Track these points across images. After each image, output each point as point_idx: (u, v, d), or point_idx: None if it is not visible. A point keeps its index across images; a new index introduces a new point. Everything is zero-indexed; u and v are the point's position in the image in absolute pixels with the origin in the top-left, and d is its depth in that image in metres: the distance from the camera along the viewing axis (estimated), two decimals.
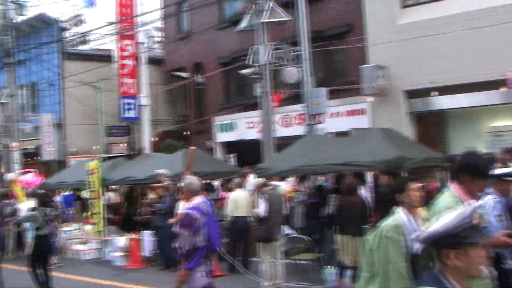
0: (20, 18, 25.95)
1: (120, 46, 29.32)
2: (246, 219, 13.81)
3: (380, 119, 19.24)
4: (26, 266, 15.08)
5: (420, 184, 5.49)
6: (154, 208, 15.25)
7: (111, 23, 28.84)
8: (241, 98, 25.89)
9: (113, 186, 19.74)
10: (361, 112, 20.73)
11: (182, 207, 13.41)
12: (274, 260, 11.34)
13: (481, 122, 18.60)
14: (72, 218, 21.08)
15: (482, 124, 18.48)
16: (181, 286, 7.09)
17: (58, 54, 30.38)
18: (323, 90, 16.59)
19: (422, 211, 5.52)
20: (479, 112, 18.52)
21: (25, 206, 17.38)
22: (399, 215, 5.24)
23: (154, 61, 30.86)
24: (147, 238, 16.02)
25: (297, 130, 20.81)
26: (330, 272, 11.69)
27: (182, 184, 7.65)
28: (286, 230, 13.09)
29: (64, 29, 32.39)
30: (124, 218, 18.60)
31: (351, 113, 21.07)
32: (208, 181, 16.32)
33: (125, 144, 31.54)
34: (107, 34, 27.99)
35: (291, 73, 16.94)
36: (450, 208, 4.41)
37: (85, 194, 21.24)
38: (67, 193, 22.67)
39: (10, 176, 20.61)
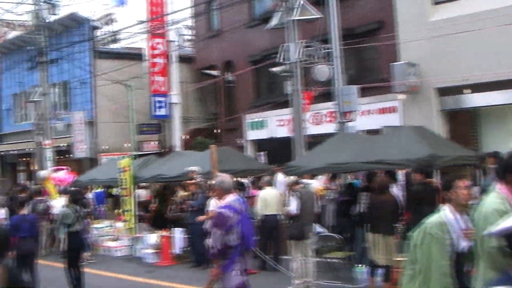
0: (52, 18, 26.18)
1: (151, 45, 29.51)
2: (276, 217, 13.79)
3: (412, 117, 19.11)
4: (59, 262, 15.33)
5: (468, 182, 5.37)
6: (186, 205, 15.30)
7: (141, 22, 29.02)
8: (272, 96, 25.87)
9: (143, 184, 19.86)
10: (392, 110, 20.60)
11: (213, 204, 13.53)
12: (305, 258, 11.31)
13: None
14: (103, 215, 21.28)
15: None
16: (213, 285, 7.03)
17: (89, 52, 30.65)
18: (354, 88, 16.50)
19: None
20: None
21: (58, 203, 17.57)
22: (445, 212, 5.16)
23: (184, 59, 31.02)
24: (178, 235, 16.08)
25: (328, 128, 20.72)
26: (361, 270, 11.64)
27: (214, 182, 7.60)
28: (318, 228, 13.05)
29: (95, 28, 32.68)
30: (156, 215, 18.70)
31: (382, 111, 20.94)
32: (238, 179, 16.36)
33: (156, 142, 31.72)
34: (138, 33, 28.17)
35: (322, 70, 16.87)
36: (498, 210, 4.36)
37: (116, 191, 21.44)
38: (98, 190, 22.87)
39: (43, 173, 20.84)
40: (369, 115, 20.63)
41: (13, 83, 37.48)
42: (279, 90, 24.36)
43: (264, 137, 25.97)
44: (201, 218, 13.99)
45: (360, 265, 11.84)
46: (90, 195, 21.64)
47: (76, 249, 12.42)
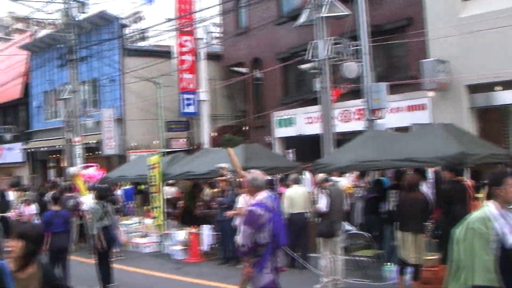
0: (82, 16, 26.37)
1: (179, 42, 29.62)
2: (303, 215, 13.76)
3: (441, 114, 18.95)
4: (88, 258, 15.49)
5: None
6: (215, 202, 15.34)
7: (170, 20, 29.15)
8: (300, 93, 25.83)
9: (170, 181, 19.95)
10: (421, 107, 20.47)
11: (241, 201, 13.56)
12: (334, 256, 11.27)
13: None
14: (132, 211, 21.42)
15: None
16: (246, 284, 6.99)
17: (118, 50, 30.83)
18: (383, 85, 16.42)
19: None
20: None
21: (87, 199, 17.74)
22: (489, 208, 5.10)
23: (212, 57, 31.11)
24: (207, 232, 16.14)
25: (356, 125, 20.67)
26: (390, 269, 11.59)
27: (246, 179, 7.52)
28: (346, 226, 13.00)
29: (124, 26, 32.91)
30: (184, 212, 18.79)
31: (411, 108, 20.82)
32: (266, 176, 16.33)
33: (184, 139, 31.84)
34: (167, 30, 28.30)
35: (350, 68, 16.81)
36: None
37: (144, 188, 21.61)
38: (127, 187, 23.04)
39: (73, 170, 21.02)
40: (398, 112, 20.52)
41: (44, 81, 37.89)
42: (307, 87, 24.32)
43: (292, 134, 25.94)
44: (229, 213, 14.03)
45: (389, 264, 11.80)
46: (119, 192, 21.81)
47: (104, 244, 12.54)
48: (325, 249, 11.30)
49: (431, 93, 19.60)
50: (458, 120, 16.64)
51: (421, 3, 20.18)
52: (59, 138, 31.42)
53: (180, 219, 18.52)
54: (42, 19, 41.32)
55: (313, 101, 20.79)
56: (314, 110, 22.24)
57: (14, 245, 4.81)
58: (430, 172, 13.48)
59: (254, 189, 7.12)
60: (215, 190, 15.85)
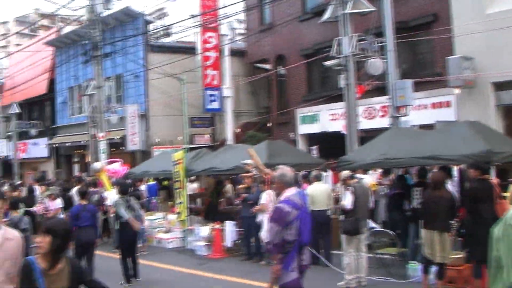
0: (106, 12, 26.49)
1: (204, 38, 29.66)
2: (325, 212, 13.71)
3: (467, 112, 18.79)
4: (112, 252, 15.60)
5: None
6: (240, 199, 15.35)
7: (193, 16, 29.22)
8: (324, 90, 25.76)
9: (192, 177, 20.02)
10: (446, 104, 20.29)
11: (265, 197, 13.57)
12: (358, 253, 11.22)
13: None
14: (156, 207, 21.51)
15: None
16: (276, 282, 6.91)
17: (142, 46, 30.97)
18: (409, 82, 16.27)
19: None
20: None
21: (111, 194, 17.84)
22: None
23: (236, 53, 31.16)
24: (230, 228, 16.17)
25: (381, 122, 20.58)
26: (414, 267, 11.53)
27: (274, 174, 7.44)
28: (370, 223, 12.94)
29: (148, 22, 33.03)
30: (208, 208, 18.83)
31: (436, 105, 20.65)
32: None
33: (208, 135, 31.91)
34: (191, 27, 28.33)
35: (375, 64, 16.70)
36: None
37: (167, 183, 21.69)
38: (151, 182, 23.13)
39: (97, 165, 21.13)
40: (423, 109, 20.35)
41: (68, 76, 38.18)
42: (331, 84, 24.26)
43: (316, 131, 25.87)
44: (255, 209, 14.05)
45: (413, 262, 11.72)
46: (142, 187, 21.91)
47: (128, 239, 12.61)
48: (349, 246, 11.25)
49: (456, 91, 19.43)
50: (484, 118, 16.47)
51: None
52: (84, 134, 31.66)
53: (204, 215, 18.56)
54: (67, 15, 41.62)
55: (337, 98, 20.71)
56: (338, 107, 22.16)
57: (42, 241, 4.80)
58: (455, 170, 13.38)
59: (282, 185, 7.02)
60: (241, 186, 15.83)
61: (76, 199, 17.08)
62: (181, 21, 54.52)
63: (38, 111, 44.46)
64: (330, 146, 21.21)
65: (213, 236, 16.27)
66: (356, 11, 16.61)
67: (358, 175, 13.68)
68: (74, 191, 19.24)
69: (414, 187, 12.64)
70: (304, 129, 26.83)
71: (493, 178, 10.85)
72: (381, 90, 18.73)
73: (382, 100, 19.37)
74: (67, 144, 37.89)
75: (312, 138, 26.21)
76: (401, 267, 12.04)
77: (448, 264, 10.18)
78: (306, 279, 7.22)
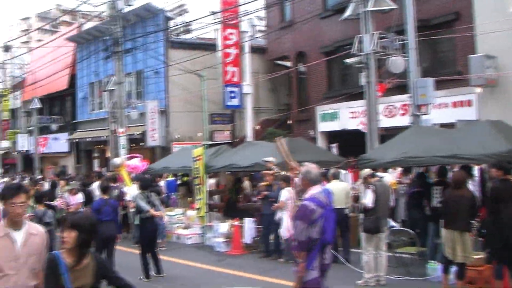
0: (127, 9, 26.59)
1: (224, 35, 29.68)
2: (344, 211, 13.66)
3: (488, 111, 18.66)
4: (132, 248, 15.66)
5: None
6: (261, 196, 15.35)
7: (214, 13, 29.24)
8: (344, 88, 25.68)
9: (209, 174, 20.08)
10: (467, 103, 20.18)
11: (285, 195, 13.57)
12: (378, 252, 11.18)
13: None
14: (175, 203, 21.57)
15: None
16: (301, 282, 6.85)
17: (163, 42, 31.06)
18: (430, 80, 16.17)
19: None
20: None
21: (132, 190, 17.91)
22: None
23: (257, 50, 31.16)
24: (249, 225, 16.18)
25: (401, 120, 20.49)
26: (434, 267, 11.46)
27: (300, 172, 7.36)
28: (390, 222, 12.89)
29: (169, 19, 33.10)
30: (227, 204, 18.85)
31: (457, 104, 20.56)
32: None
33: (228, 132, 31.96)
34: (211, 23, 28.37)
35: (396, 62, 16.63)
36: None
37: (186, 179, 21.73)
38: (170, 178, 23.19)
39: (117, 160, 21.22)
40: (443, 108, 20.24)
41: (89, 72, 38.40)
42: (351, 82, 24.20)
43: (336, 129, 25.81)
44: (275, 206, 14.05)
45: (432, 261, 11.66)
46: (162, 183, 21.98)
47: (148, 235, 12.66)
48: (368, 245, 11.22)
49: (478, 89, 19.31)
50: (506, 117, 16.23)
51: None
52: (104, 129, 31.84)
53: (223, 212, 18.59)
54: (88, 11, 41.78)
55: (357, 96, 20.66)
56: (358, 105, 22.09)
57: (67, 236, 4.79)
58: (476, 170, 13.28)
59: (307, 182, 6.95)
60: (262, 183, 15.82)
61: (97, 193, 17.18)
62: (202, 17, 54.58)
63: (59, 106, 44.76)
64: (350, 144, 21.16)
65: (232, 233, 16.30)
66: (378, 8, 16.55)
67: (379, 174, 13.60)
68: (94, 186, 19.35)
69: (434, 185, 12.57)
70: (324, 126, 26.78)
71: None
72: (401, 88, 18.66)
73: (403, 98, 19.29)
74: (87, 139, 38.14)
75: (331, 136, 26.16)
76: (421, 267, 11.98)
77: (469, 264, 10.10)
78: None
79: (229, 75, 29.98)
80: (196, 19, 46.41)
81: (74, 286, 4.74)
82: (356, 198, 13.48)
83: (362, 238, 11.62)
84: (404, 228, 13.19)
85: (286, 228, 13.85)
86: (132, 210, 16.79)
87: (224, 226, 16.75)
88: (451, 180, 10.85)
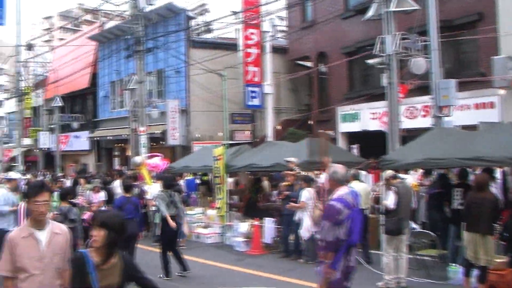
0: (149, 8, 26.67)
1: (245, 35, 29.70)
2: (363, 212, 13.60)
3: (511, 113, 18.48)
4: (152, 246, 15.72)
5: None
6: (283, 196, 15.34)
7: (235, 13, 29.27)
8: (365, 88, 25.60)
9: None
10: (490, 105, 20.04)
11: (305, 195, 13.55)
12: (399, 254, 11.12)
13: None
14: (195, 202, 21.61)
15: None
16: (327, 283, 6.84)
17: (184, 42, 31.15)
18: (453, 82, 16.04)
19: None
20: None
21: (152, 189, 17.98)
22: None
23: (278, 50, 31.15)
24: (269, 225, 16.18)
25: (422, 122, 20.37)
26: (455, 270, 11.38)
27: (327, 172, 7.36)
28: (411, 224, 12.82)
29: (190, 18, 33.17)
30: (247, 204, 18.85)
31: (479, 106, 20.42)
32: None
33: (248, 132, 31.98)
34: (233, 23, 28.39)
35: (419, 63, 16.51)
36: None
37: (206, 178, 21.75)
38: (189, 177, 23.22)
39: (138, 159, 21.30)
40: (465, 110, 20.10)
41: (111, 71, 38.62)
42: (372, 83, 24.10)
43: (357, 129, 25.73)
44: (290, 205, 14.05)
45: (453, 264, 11.58)
46: (181, 182, 22.02)
47: (170, 234, 12.70)
48: (389, 246, 11.17)
49: (501, 91, 19.14)
50: None
51: None
52: (125, 128, 31.96)
53: (243, 211, 18.60)
54: (110, 10, 41.98)
55: (379, 97, 20.56)
56: (379, 106, 22.00)
57: (96, 234, 4.74)
58: (498, 172, 13.17)
59: (334, 183, 6.96)
60: (283, 183, 15.80)
61: (118, 192, 17.25)
62: (223, 17, 54.60)
63: (80, 104, 45.05)
64: (371, 145, 21.07)
65: (252, 233, 16.31)
66: (400, 9, 16.42)
67: (401, 175, 13.53)
68: (115, 184, 19.44)
69: (455, 187, 12.49)
70: (345, 127, 26.71)
71: None
72: (423, 90, 18.53)
73: (424, 99, 19.15)
74: (108, 138, 38.34)
75: (352, 137, 26.09)
76: (441, 269, 11.91)
77: (490, 268, 10.01)
78: None
79: (250, 75, 30.01)
80: (217, 19, 46.47)
81: (101, 285, 4.71)
82: (377, 200, 13.43)
83: (382, 240, 11.57)
84: (425, 230, 13.11)
85: (306, 228, 13.85)
86: (153, 208, 16.88)
87: (244, 226, 16.77)
88: (473, 182, 10.77)
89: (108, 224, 4.75)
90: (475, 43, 20.76)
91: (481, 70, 20.14)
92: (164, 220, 12.64)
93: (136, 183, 18.95)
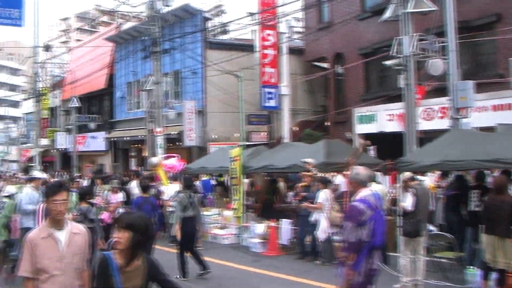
0: (166, 9, 26.76)
1: (262, 36, 29.70)
2: None
3: None
4: (168, 246, 15.75)
5: None
6: (299, 197, 15.33)
7: (252, 14, 29.29)
8: (382, 90, 25.53)
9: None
10: (508, 107, 19.92)
11: (322, 196, 13.54)
12: (416, 256, 11.07)
13: None
14: (211, 203, 21.63)
15: None
16: (349, 284, 6.82)
17: (201, 43, 31.20)
18: (470, 83, 15.96)
19: None
20: None
21: (170, 189, 18.02)
22: None
23: (294, 51, 31.15)
24: (286, 226, 16.17)
25: (439, 123, 20.30)
26: (473, 273, 11.29)
27: (350, 174, 7.38)
28: (429, 226, 12.76)
29: (207, 19, 33.22)
30: (264, 205, 18.85)
31: (497, 107, 20.30)
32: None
33: (265, 133, 31.97)
34: (250, 24, 28.42)
35: (436, 65, 16.42)
36: None
37: (223, 179, 21.76)
38: (205, 178, 23.25)
39: (155, 160, 21.36)
40: (483, 111, 19.98)
41: (127, 72, 38.75)
42: (389, 84, 24.02)
43: (373, 131, 25.64)
44: (305, 205, 14.04)
45: (471, 267, 11.49)
46: (197, 183, 22.06)
47: (188, 234, 12.72)
48: (406, 248, 11.12)
49: None
50: None
51: None
52: (141, 128, 32.07)
53: (259, 212, 18.61)
54: (127, 12, 42.18)
55: (395, 98, 20.49)
56: (396, 107, 21.92)
57: (121, 236, 4.68)
58: None
59: (356, 184, 6.98)
60: (300, 184, 15.79)
61: (135, 192, 17.31)
62: (240, 18, 54.73)
63: (97, 105, 45.25)
64: (387, 146, 21.00)
65: (268, 234, 16.30)
66: (418, 10, 16.36)
67: (419, 177, 13.47)
68: (132, 184, 19.50)
69: (472, 189, 12.42)
70: (361, 128, 26.62)
71: None
72: (440, 91, 18.46)
73: (441, 101, 19.08)
74: (124, 138, 38.47)
75: (369, 138, 25.95)
76: (459, 272, 11.82)
77: (509, 271, 9.93)
78: None
79: (266, 76, 30.00)
80: (234, 20, 46.48)
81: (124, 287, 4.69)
82: (394, 201, 13.37)
83: (399, 242, 11.52)
84: (442, 232, 13.05)
85: (323, 229, 13.84)
86: (169, 209, 16.92)
87: (260, 227, 16.78)
88: (492, 185, 10.70)
89: (133, 226, 4.70)
90: (493, 44, 20.65)
91: (499, 71, 20.02)
92: (181, 220, 12.68)
93: (152, 184, 19.00)
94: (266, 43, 29.97)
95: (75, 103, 39.65)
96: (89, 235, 5.48)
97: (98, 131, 42.44)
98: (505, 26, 19.56)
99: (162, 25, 26.55)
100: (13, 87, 76.55)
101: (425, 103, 21.23)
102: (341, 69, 28.74)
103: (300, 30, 33.94)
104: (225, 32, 35.91)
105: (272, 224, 16.40)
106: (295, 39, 32.01)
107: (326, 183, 14.31)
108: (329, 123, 29.71)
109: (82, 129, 42.92)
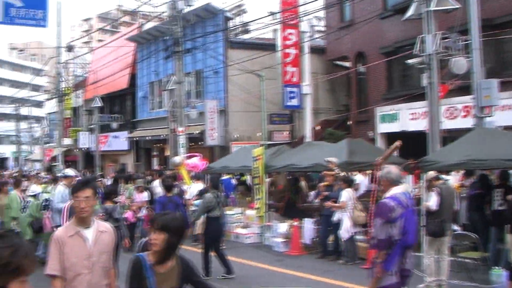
0: (187, 9, 26.82)
1: (284, 35, 29.70)
2: None
3: None
4: (192, 245, 15.80)
5: None
6: (322, 196, 15.31)
7: (273, 13, 29.30)
8: (405, 89, 25.38)
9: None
10: None
11: (345, 195, 13.51)
12: (440, 256, 11.00)
13: None
14: (233, 202, 21.66)
15: None
16: (377, 285, 6.79)
17: (222, 43, 31.25)
18: (495, 82, 15.82)
19: None
20: None
21: (191, 188, 18.06)
22: None
23: (316, 50, 31.08)
24: (308, 225, 16.15)
25: (463, 122, 20.13)
26: (499, 273, 11.18)
27: (381, 172, 7.38)
28: (453, 226, 12.68)
29: (228, 19, 33.26)
30: (287, 205, 18.85)
31: None
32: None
33: (287, 132, 31.96)
34: (271, 24, 28.40)
35: (460, 63, 16.30)
36: None
37: (245, 179, 21.77)
38: (226, 177, 23.29)
39: (177, 159, 21.43)
40: (507, 110, 19.79)
41: (149, 71, 38.90)
42: (412, 83, 23.89)
43: (396, 130, 25.48)
44: (334, 206, 14.02)
45: (497, 268, 11.39)
46: None
47: (214, 234, 12.76)
48: (430, 248, 11.06)
49: None
50: None
51: None
52: (163, 128, 32.20)
53: (282, 212, 18.60)
54: (148, 12, 42.36)
55: (418, 97, 20.39)
56: (418, 106, 21.80)
57: (156, 238, 4.64)
58: None
59: (388, 183, 6.98)
60: (323, 184, 15.76)
61: (157, 191, 17.37)
62: (261, 18, 54.73)
63: (119, 105, 45.46)
64: (410, 145, 20.89)
65: (291, 233, 16.29)
66: (441, 8, 16.25)
67: (444, 176, 13.38)
68: (155, 184, 19.57)
69: (496, 188, 12.32)
70: (384, 128, 26.49)
71: None
72: (463, 90, 18.33)
73: (465, 99, 18.95)
74: (147, 138, 38.64)
75: (391, 137, 25.84)
76: (484, 272, 11.73)
77: None
78: None
79: (288, 75, 30.00)
80: (255, 20, 46.49)
81: None
82: (417, 201, 13.30)
83: (423, 241, 11.46)
84: (467, 232, 12.95)
85: (346, 229, 13.82)
86: (192, 208, 16.96)
87: (283, 226, 16.77)
88: None
89: (168, 227, 4.65)
90: None
91: None
92: (207, 220, 12.73)
93: (175, 183, 19.07)
94: (288, 42, 29.96)
95: (98, 103, 39.84)
96: (116, 233, 5.48)
97: (120, 130, 42.68)
98: None
99: (183, 24, 26.62)
100: (36, 87, 77.09)
101: (449, 102, 21.09)
102: (362, 68, 28.65)
103: (322, 29, 33.88)
104: (246, 31, 35.94)
105: (295, 223, 16.39)
106: (316, 38, 31.94)
107: (349, 182, 14.28)
108: (351, 122, 29.62)
109: (105, 128, 43.16)
